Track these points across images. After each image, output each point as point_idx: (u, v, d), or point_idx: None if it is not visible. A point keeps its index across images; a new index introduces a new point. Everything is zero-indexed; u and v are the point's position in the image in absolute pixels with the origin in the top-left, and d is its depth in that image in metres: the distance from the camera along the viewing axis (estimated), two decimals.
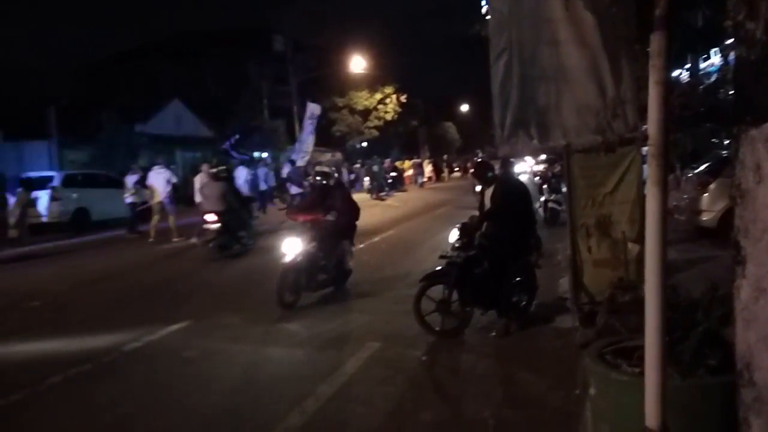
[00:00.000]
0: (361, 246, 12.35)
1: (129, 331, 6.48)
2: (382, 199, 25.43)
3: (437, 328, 5.92)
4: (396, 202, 23.53)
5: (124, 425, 4.26)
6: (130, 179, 15.23)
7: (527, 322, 6.18)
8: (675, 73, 15.38)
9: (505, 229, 6.00)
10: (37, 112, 23.28)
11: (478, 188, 6.82)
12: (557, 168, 19.19)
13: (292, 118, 30.81)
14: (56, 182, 17.09)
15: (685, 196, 10.15)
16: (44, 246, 14.49)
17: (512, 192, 6.24)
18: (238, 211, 11.66)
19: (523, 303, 6.25)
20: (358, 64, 32.79)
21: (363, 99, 36.10)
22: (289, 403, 4.42)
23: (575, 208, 5.45)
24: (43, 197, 16.61)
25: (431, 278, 6.00)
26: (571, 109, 5.11)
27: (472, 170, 6.92)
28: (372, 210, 21.28)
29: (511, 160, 16.11)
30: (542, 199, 14.87)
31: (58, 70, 35.89)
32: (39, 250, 13.82)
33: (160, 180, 14.28)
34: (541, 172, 21.75)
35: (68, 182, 17.31)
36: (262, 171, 22.11)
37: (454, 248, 5.99)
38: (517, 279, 6.11)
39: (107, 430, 4.19)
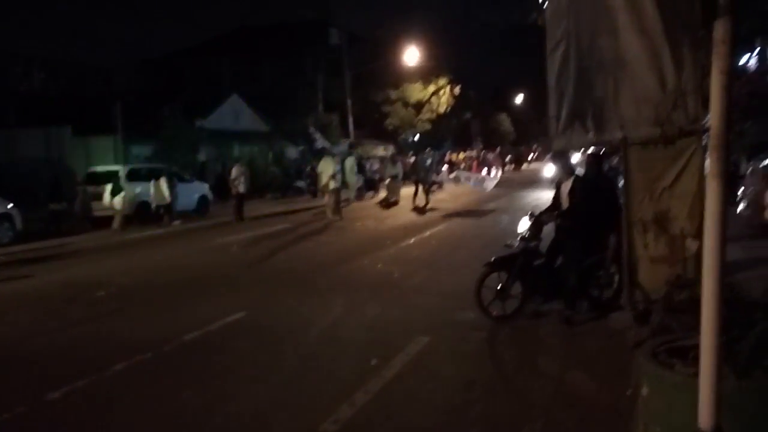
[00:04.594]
0: (411, 241, 12.37)
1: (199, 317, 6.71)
2: (432, 192, 25.28)
3: (494, 313, 6.12)
4: (447, 196, 23.36)
5: (181, 414, 4.39)
6: (236, 171, 18.01)
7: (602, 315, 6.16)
8: (743, 59, 14.63)
9: (579, 225, 6.03)
10: (104, 108, 24.17)
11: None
12: (614, 161, 18.62)
13: (346, 111, 31.02)
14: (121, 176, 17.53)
15: (749, 190, 9.69)
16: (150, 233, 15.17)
17: (591, 189, 6.26)
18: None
19: (605, 296, 6.33)
20: (412, 56, 32.57)
21: (416, 91, 35.90)
22: (339, 397, 4.47)
23: (632, 203, 5.27)
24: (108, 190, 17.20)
25: (495, 265, 6.21)
26: (629, 101, 4.95)
27: (551, 160, 7.24)
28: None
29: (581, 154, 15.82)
30: None
31: (124, 66, 37.15)
32: (145, 238, 14.44)
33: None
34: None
35: (132, 176, 17.83)
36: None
37: (522, 238, 6.20)
38: (597, 273, 6.24)
39: (165, 419, 4.32)
